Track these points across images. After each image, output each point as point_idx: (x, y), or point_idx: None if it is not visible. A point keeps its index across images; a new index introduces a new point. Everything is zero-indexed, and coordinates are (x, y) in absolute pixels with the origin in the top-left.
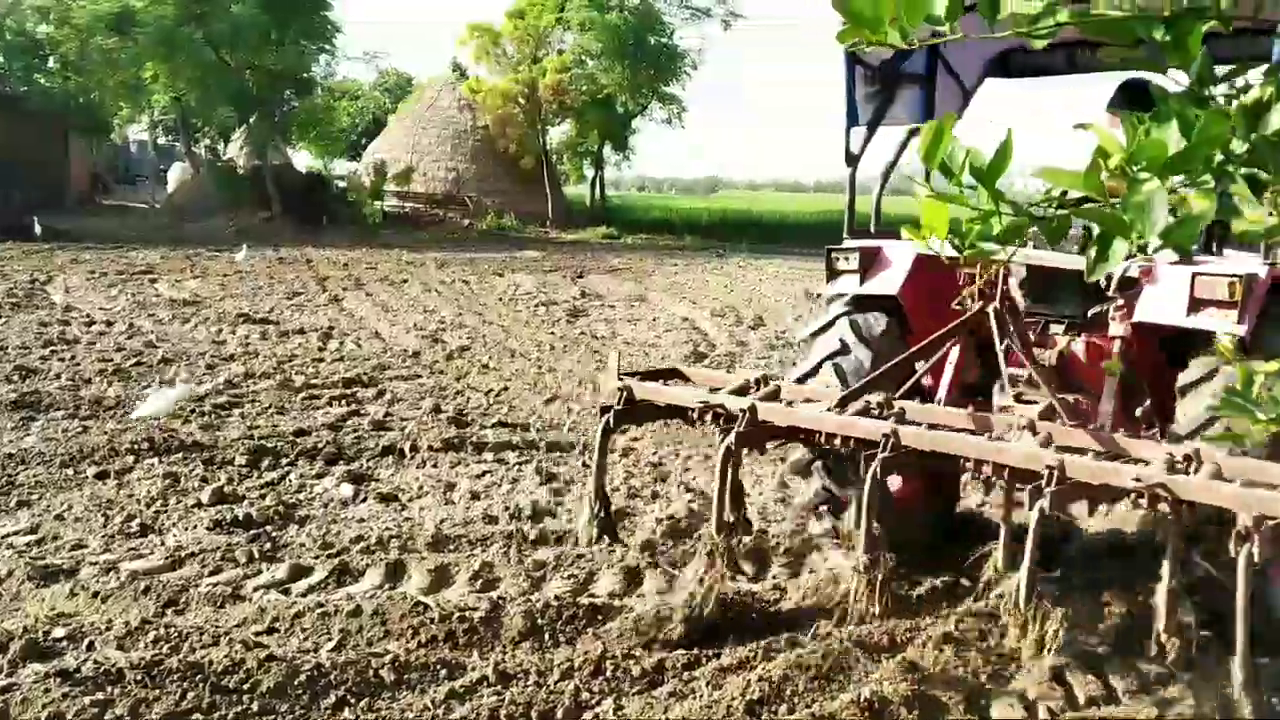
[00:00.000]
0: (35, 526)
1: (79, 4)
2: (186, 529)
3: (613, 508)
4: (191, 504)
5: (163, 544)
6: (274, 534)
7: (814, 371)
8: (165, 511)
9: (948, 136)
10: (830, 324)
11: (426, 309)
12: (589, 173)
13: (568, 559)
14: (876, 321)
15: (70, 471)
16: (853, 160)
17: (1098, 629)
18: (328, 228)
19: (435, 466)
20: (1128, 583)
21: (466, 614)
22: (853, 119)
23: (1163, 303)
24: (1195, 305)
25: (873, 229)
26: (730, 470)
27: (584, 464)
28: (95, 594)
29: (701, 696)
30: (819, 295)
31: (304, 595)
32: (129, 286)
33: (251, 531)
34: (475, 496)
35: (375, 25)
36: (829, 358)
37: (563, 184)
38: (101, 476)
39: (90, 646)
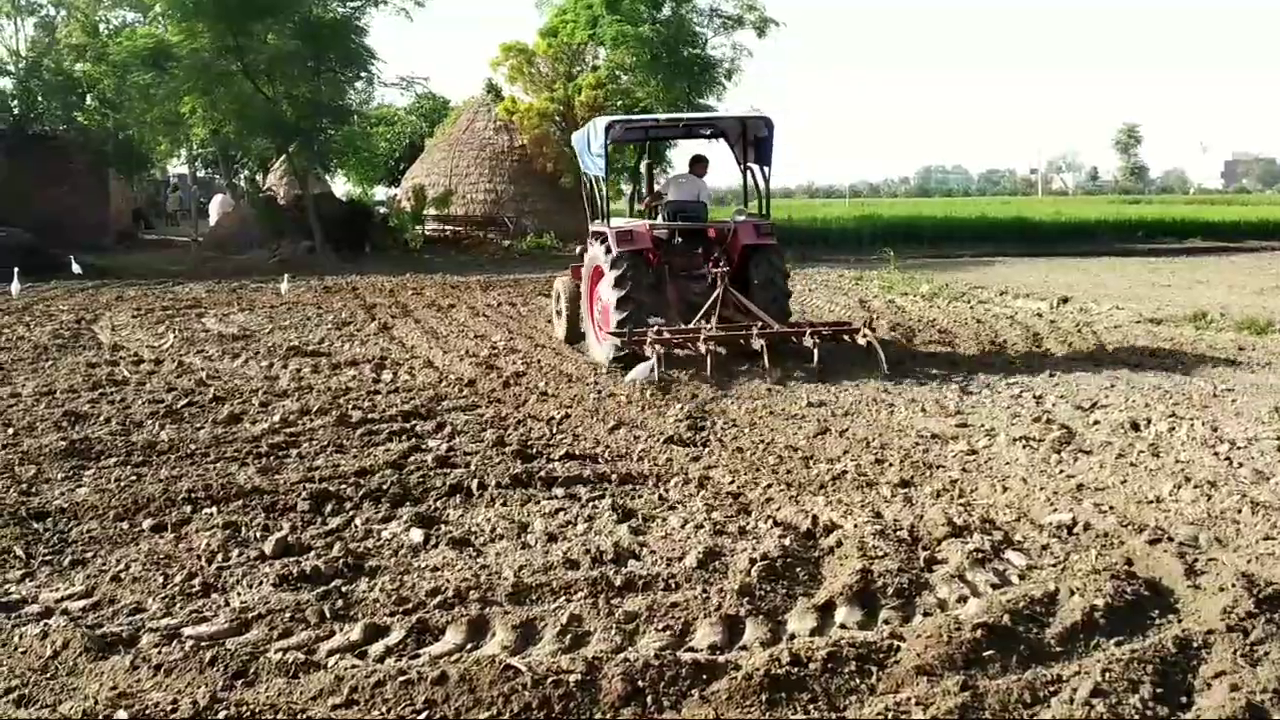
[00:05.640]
0: (91, 589)
1: (115, 41)
2: (251, 586)
3: (699, 544)
4: (254, 556)
5: (227, 604)
6: (344, 589)
7: None
8: (228, 567)
9: None
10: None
11: (477, 334)
12: (626, 188)
13: (660, 608)
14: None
15: (125, 525)
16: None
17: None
18: (370, 255)
19: (505, 505)
20: None
21: (560, 678)
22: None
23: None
24: None
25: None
26: None
27: (660, 497)
28: (158, 667)
29: None
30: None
31: (382, 660)
32: (176, 322)
33: (320, 587)
34: (552, 538)
35: (409, 50)
36: None
37: None
38: (158, 529)
39: None
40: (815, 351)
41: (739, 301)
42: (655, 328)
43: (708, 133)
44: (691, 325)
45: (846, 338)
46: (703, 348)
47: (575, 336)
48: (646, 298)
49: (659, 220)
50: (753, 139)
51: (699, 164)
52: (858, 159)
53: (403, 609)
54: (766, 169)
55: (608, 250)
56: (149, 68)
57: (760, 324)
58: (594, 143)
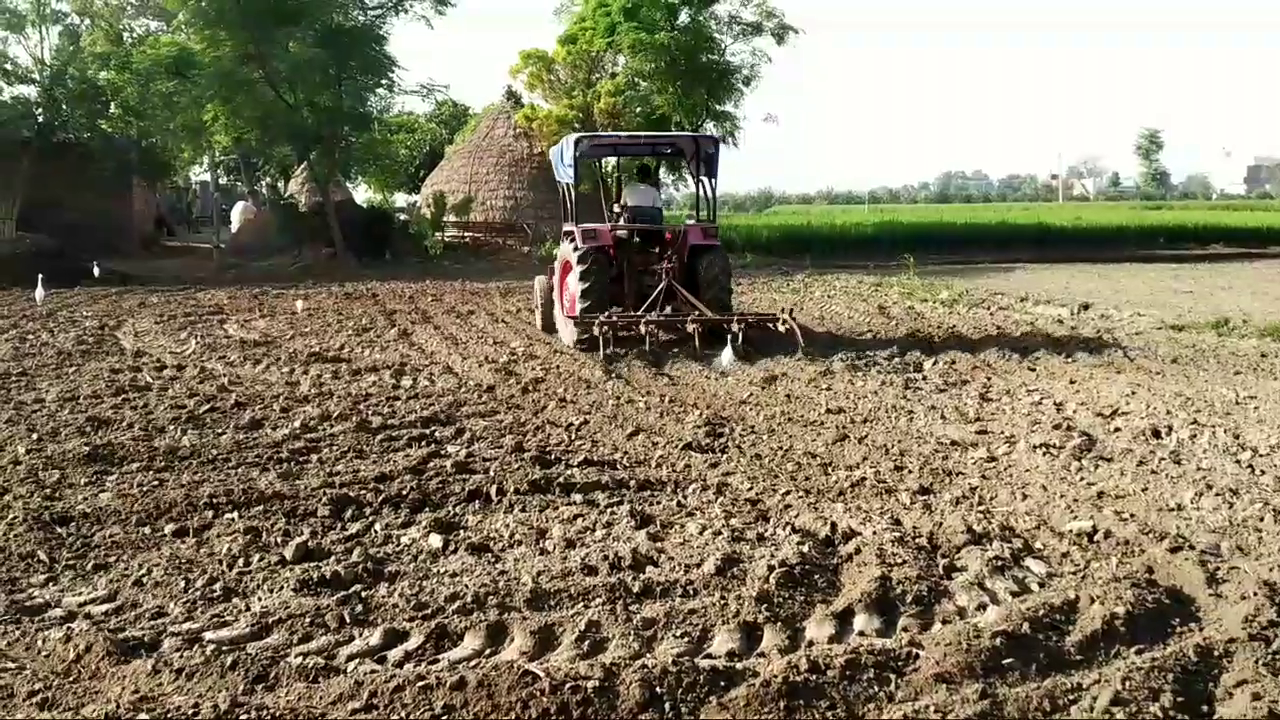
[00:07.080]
0: (113, 593)
1: (139, 50)
2: (272, 591)
3: (717, 550)
4: (275, 561)
5: (248, 609)
6: (364, 594)
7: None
8: (248, 572)
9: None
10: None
11: (496, 340)
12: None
13: (678, 615)
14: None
15: (147, 530)
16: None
17: None
18: (390, 261)
19: (524, 511)
20: None
21: (579, 683)
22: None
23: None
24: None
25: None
26: None
27: (678, 503)
28: (179, 670)
29: None
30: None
31: (401, 665)
32: (198, 328)
33: (340, 592)
34: (570, 544)
35: (429, 57)
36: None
37: None
38: (180, 534)
39: None
40: (740, 335)
41: (682, 294)
42: (608, 313)
43: (667, 150)
44: (639, 313)
45: (770, 325)
46: (643, 328)
47: (550, 327)
48: (607, 287)
49: (620, 223)
50: (704, 155)
51: (649, 173)
52: (877, 165)
53: (422, 614)
54: (714, 181)
55: (575, 247)
56: (172, 76)
57: (697, 312)
58: (565, 155)
